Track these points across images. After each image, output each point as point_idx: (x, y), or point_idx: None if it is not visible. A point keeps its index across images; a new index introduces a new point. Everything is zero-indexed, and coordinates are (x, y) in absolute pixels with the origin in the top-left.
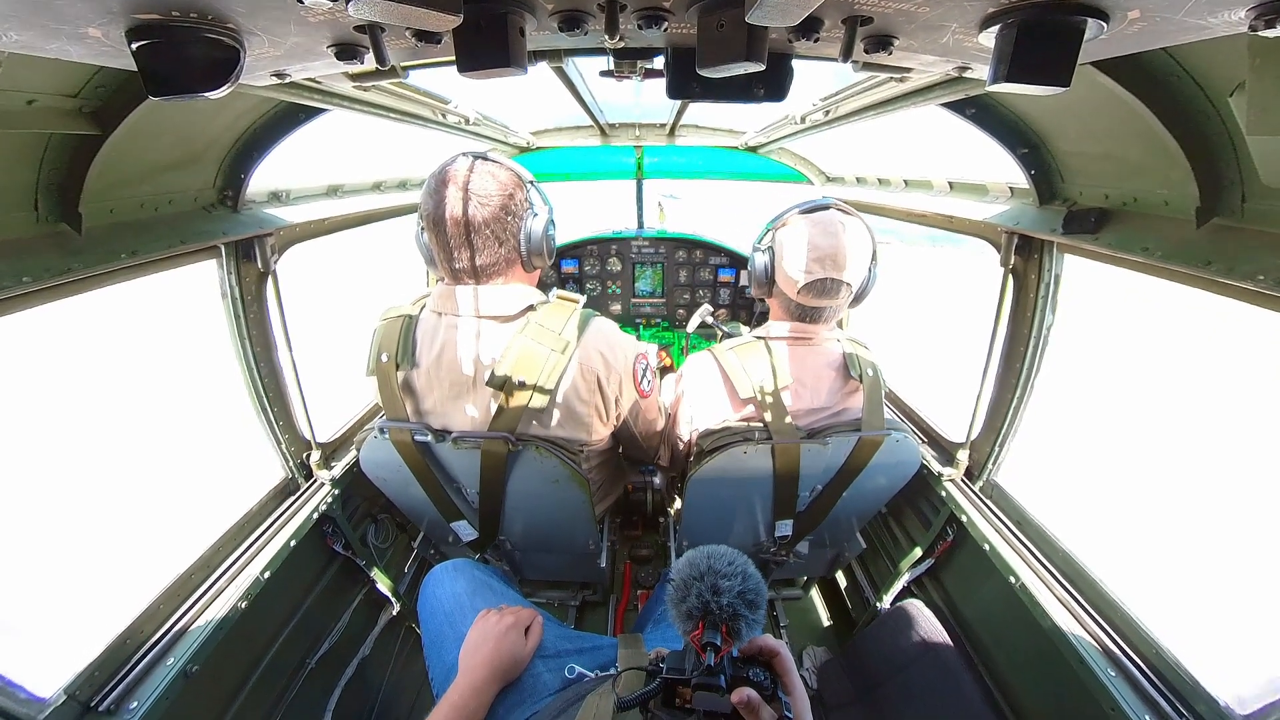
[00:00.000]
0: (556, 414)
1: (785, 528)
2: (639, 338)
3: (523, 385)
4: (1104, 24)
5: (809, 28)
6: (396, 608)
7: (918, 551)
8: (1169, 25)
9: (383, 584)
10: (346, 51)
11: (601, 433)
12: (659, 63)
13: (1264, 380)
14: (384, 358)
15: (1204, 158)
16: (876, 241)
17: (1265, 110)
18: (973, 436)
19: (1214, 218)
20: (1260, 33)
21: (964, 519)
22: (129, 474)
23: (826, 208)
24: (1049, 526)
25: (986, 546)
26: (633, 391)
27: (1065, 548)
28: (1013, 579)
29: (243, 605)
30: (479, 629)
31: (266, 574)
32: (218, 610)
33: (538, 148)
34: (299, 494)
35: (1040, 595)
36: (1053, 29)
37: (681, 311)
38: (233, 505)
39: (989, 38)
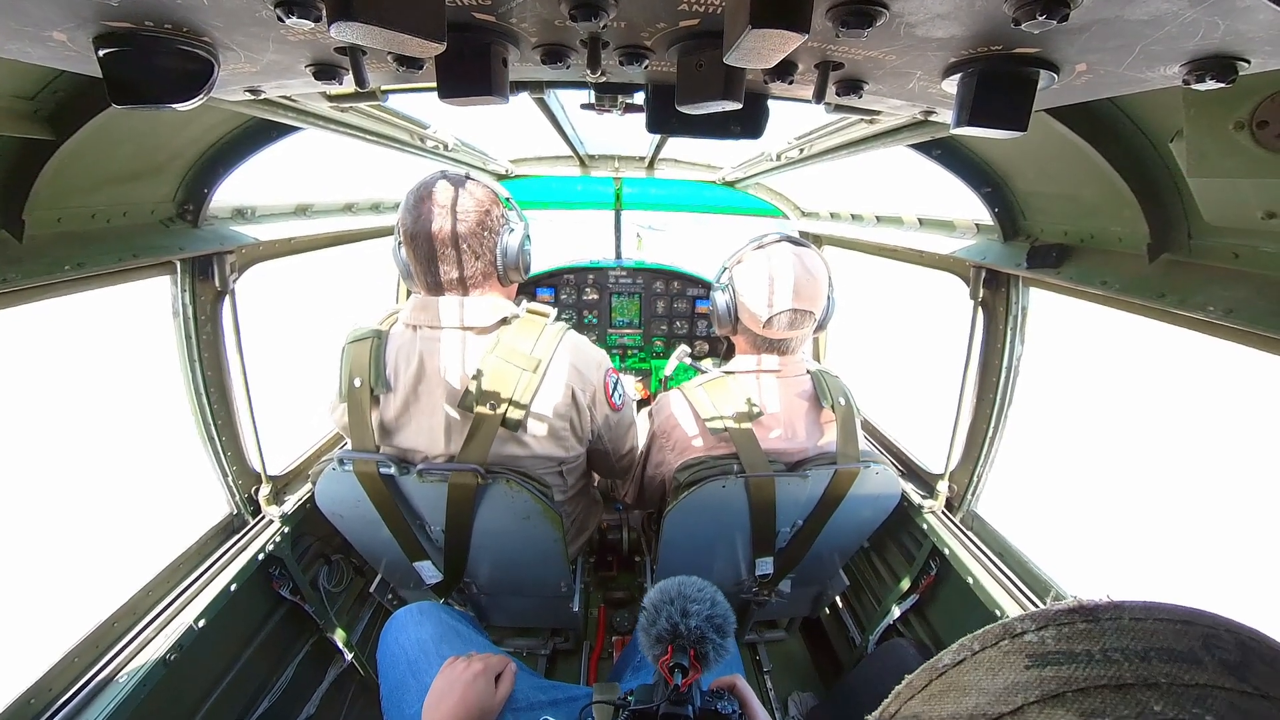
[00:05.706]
0: (533, 432)
1: (766, 565)
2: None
3: (495, 407)
4: (1055, 75)
5: (784, 71)
6: (348, 659)
7: (902, 586)
8: (1112, 78)
9: (334, 633)
10: (325, 72)
11: (577, 449)
12: (639, 98)
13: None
14: (357, 382)
15: (1151, 198)
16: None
17: (1203, 155)
18: (951, 467)
19: (1164, 253)
20: (1193, 86)
21: (946, 552)
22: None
23: (779, 240)
24: (1030, 556)
25: (970, 580)
26: (605, 405)
27: (1047, 576)
28: (997, 612)
29: (172, 658)
30: (445, 677)
31: (201, 622)
32: (142, 664)
33: (517, 175)
34: (244, 532)
35: None
36: (1009, 79)
37: (660, 343)
38: (167, 543)
39: (951, 85)
